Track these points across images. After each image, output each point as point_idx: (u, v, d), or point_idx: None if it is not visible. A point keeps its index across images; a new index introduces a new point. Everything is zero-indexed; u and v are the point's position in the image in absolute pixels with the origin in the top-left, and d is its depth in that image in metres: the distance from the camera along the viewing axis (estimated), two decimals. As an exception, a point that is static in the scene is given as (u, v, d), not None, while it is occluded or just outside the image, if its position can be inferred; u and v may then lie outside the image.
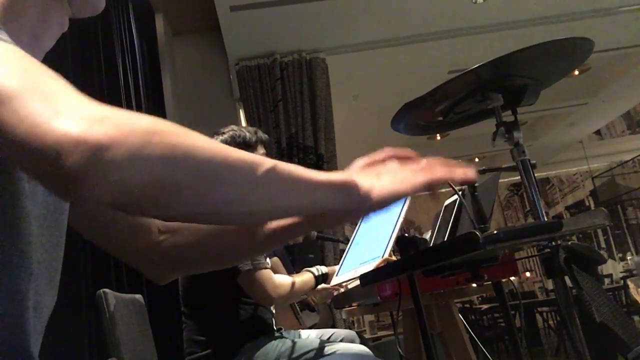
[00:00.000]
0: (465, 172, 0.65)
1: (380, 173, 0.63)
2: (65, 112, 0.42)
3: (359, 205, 0.59)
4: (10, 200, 0.57)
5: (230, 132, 1.89)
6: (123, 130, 0.42)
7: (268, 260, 1.89)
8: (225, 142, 1.86)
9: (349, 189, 0.58)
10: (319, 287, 2.01)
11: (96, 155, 0.41)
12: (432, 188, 0.63)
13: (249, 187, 0.50)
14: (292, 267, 2.78)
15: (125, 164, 0.41)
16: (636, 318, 5.90)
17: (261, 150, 1.91)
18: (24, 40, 0.63)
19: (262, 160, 0.51)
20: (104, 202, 0.43)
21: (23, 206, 0.59)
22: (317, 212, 0.60)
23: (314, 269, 1.98)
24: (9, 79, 0.45)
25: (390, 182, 0.61)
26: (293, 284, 1.83)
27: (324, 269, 1.99)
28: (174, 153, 0.44)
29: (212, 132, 1.95)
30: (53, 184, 0.43)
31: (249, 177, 0.50)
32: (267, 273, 1.74)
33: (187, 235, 0.81)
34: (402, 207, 1.40)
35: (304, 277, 1.92)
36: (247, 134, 1.89)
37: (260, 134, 1.94)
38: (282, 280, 1.81)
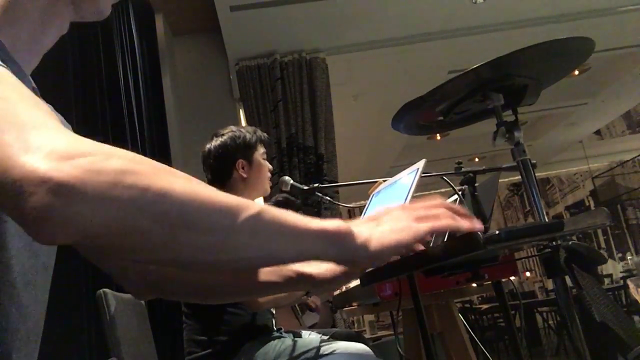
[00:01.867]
0: (471, 223, 0.61)
1: (381, 220, 0.59)
2: (36, 147, 0.41)
3: (355, 257, 0.55)
4: None
5: (230, 134, 1.88)
6: (92, 170, 0.40)
7: None
8: (225, 144, 1.85)
9: (343, 239, 0.54)
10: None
11: (60, 195, 0.39)
12: (433, 235, 0.59)
13: (225, 234, 0.47)
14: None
15: (90, 205, 0.40)
16: (636, 318, 5.90)
17: (261, 149, 1.91)
18: (22, 43, 0.63)
19: (246, 206, 0.48)
20: (68, 242, 0.42)
21: (5, 219, 0.58)
22: (307, 261, 0.56)
23: None
24: None
25: (390, 231, 0.57)
26: None
27: None
28: (143, 196, 0.42)
29: (212, 133, 1.95)
30: (19, 221, 0.42)
31: (227, 224, 0.46)
32: None
33: None
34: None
35: None
36: (247, 134, 1.89)
37: (260, 133, 1.93)
38: None
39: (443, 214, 0.60)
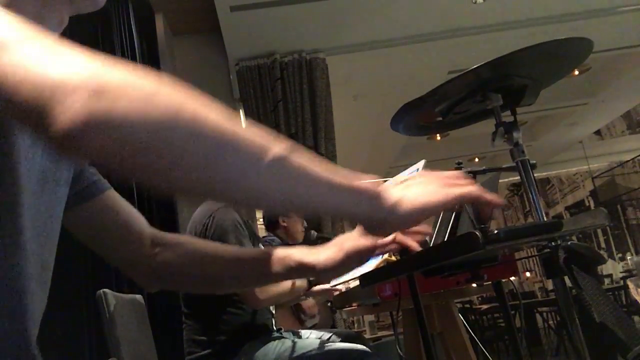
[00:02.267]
0: (496, 199, 0.61)
1: (410, 184, 0.59)
2: (67, 60, 0.40)
3: (385, 217, 0.54)
4: (9, 197, 0.57)
5: None
6: (129, 80, 0.40)
7: None
8: None
9: (373, 197, 0.53)
10: (316, 288, 2.01)
11: (95, 101, 0.38)
12: (461, 204, 0.59)
13: (251, 172, 0.46)
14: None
15: (126, 115, 0.38)
16: (636, 318, 5.90)
17: None
18: None
19: (273, 147, 0.47)
20: (98, 158, 0.40)
21: (22, 202, 0.58)
22: (334, 215, 0.56)
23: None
24: (8, 29, 0.43)
25: (421, 194, 0.56)
26: (282, 286, 1.82)
27: None
28: (178, 113, 0.41)
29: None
30: (46, 135, 0.39)
31: (253, 162, 0.45)
32: None
33: (179, 255, 0.80)
34: None
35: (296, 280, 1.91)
36: None
37: None
38: None
39: (470, 184, 0.60)
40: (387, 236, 0.74)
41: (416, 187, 0.57)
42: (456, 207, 0.60)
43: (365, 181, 0.54)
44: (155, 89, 0.41)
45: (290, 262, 0.79)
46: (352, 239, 0.77)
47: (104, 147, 0.39)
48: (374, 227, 0.57)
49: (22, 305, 0.58)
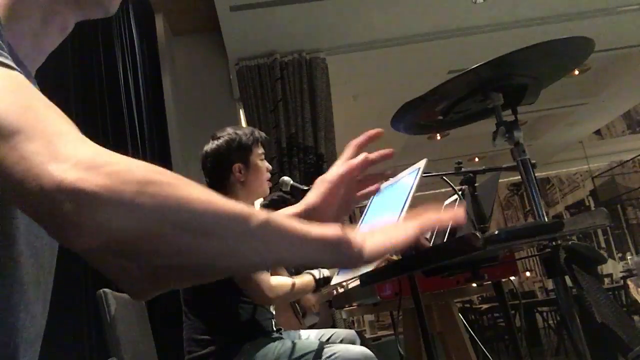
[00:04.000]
0: (454, 215, 0.66)
1: (374, 231, 0.64)
2: (63, 157, 0.43)
3: (351, 261, 0.60)
4: (2, 209, 0.57)
5: (226, 137, 1.87)
6: (118, 180, 0.43)
7: None
8: (221, 147, 1.85)
9: (341, 246, 0.58)
10: (322, 289, 2.01)
11: (89, 203, 0.41)
12: (422, 234, 0.64)
13: (238, 242, 0.49)
14: (293, 270, 2.78)
15: (117, 212, 0.42)
16: (636, 318, 5.91)
17: (258, 150, 1.90)
18: (26, 43, 0.63)
19: (255, 213, 0.51)
20: (94, 249, 0.44)
21: (14, 215, 0.59)
22: (305, 263, 0.61)
23: (315, 272, 1.97)
24: (9, 115, 0.46)
25: (382, 235, 0.62)
26: (292, 285, 1.83)
27: (326, 272, 1.99)
28: (165, 204, 0.44)
29: (211, 133, 1.94)
30: (48, 229, 0.44)
31: (239, 231, 0.49)
32: (262, 274, 1.73)
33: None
34: (403, 207, 1.40)
35: (304, 279, 1.91)
36: (243, 136, 1.88)
37: (257, 133, 1.92)
38: (279, 281, 1.80)
39: (427, 216, 0.65)
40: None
41: (380, 231, 0.63)
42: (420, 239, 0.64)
43: (331, 228, 0.59)
44: (143, 182, 0.44)
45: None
46: (329, 172, 0.84)
47: (100, 243, 0.43)
48: (342, 266, 0.64)
49: (12, 316, 0.58)
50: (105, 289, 1.39)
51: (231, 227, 0.49)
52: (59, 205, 0.41)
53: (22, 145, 0.44)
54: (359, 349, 1.64)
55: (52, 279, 0.68)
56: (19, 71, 0.51)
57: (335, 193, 0.83)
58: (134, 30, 3.31)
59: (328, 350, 1.60)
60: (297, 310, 2.65)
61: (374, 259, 0.61)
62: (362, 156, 0.87)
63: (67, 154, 0.43)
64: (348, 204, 0.87)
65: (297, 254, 0.56)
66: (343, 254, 0.58)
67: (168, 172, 0.48)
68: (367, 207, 1.69)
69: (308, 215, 0.81)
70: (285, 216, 0.56)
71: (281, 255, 0.54)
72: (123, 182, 0.43)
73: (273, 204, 2.66)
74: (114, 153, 0.46)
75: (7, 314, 0.58)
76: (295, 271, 2.48)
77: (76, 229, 0.42)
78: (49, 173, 0.42)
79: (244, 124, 4.18)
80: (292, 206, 0.81)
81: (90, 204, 0.42)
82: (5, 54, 0.51)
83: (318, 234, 0.57)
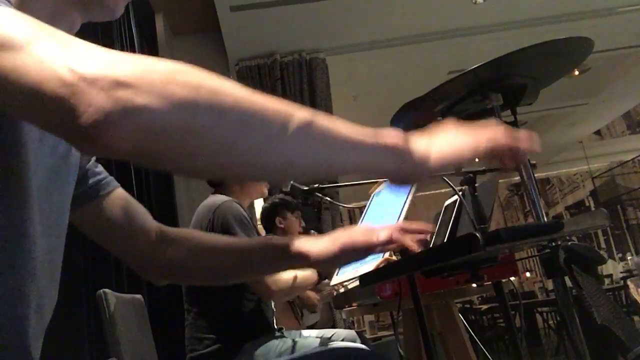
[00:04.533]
0: (530, 142, 0.59)
1: (437, 134, 0.58)
2: (83, 54, 0.40)
3: (414, 170, 0.54)
4: (17, 201, 0.57)
5: None
6: (145, 68, 0.40)
7: None
8: None
9: (401, 153, 0.53)
10: (324, 282, 2.01)
11: (116, 93, 0.38)
12: (494, 156, 0.57)
13: (279, 139, 0.45)
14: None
15: (147, 102, 0.38)
16: (636, 318, 5.90)
17: None
18: None
19: (297, 112, 0.47)
20: (125, 149, 0.40)
21: (29, 207, 0.58)
22: (362, 173, 0.54)
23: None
24: (22, 27, 0.43)
25: (449, 144, 0.56)
26: (294, 278, 1.83)
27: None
28: (198, 93, 0.41)
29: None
30: (70, 130, 0.39)
31: (280, 128, 0.45)
32: None
33: (185, 250, 0.82)
34: (403, 207, 1.40)
35: (306, 273, 1.92)
36: None
37: None
38: (282, 274, 1.81)
39: (499, 132, 0.58)
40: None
41: (444, 139, 0.57)
42: (486, 155, 0.57)
43: (391, 134, 0.53)
44: (172, 72, 0.41)
45: (286, 250, 0.81)
46: (349, 235, 0.79)
47: (131, 137, 0.39)
48: (403, 179, 0.57)
49: (24, 309, 0.58)
50: (105, 289, 1.39)
51: (270, 122, 0.45)
52: (84, 96, 0.37)
53: (38, 50, 0.41)
54: (359, 347, 1.65)
55: (59, 272, 0.68)
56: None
57: (340, 257, 0.80)
58: (134, 30, 3.31)
59: (328, 348, 1.61)
60: (296, 310, 2.65)
61: (441, 169, 0.55)
62: (389, 236, 0.80)
63: (87, 52, 0.41)
64: (350, 261, 0.85)
65: (350, 160, 0.51)
66: (406, 161, 0.53)
67: (197, 69, 0.44)
68: (367, 207, 1.69)
69: (312, 263, 0.80)
70: (337, 121, 0.50)
71: (329, 160, 0.50)
72: (150, 72, 0.40)
73: (275, 207, 2.67)
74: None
75: (18, 306, 0.57)
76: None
77: (107, 119, 0.37)
78: (70, 68, 0.39)
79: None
80: (305, 242, 0.81)
81: (117, 92, 0.38)
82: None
83: (373, 140, 0.51)
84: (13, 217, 0.56)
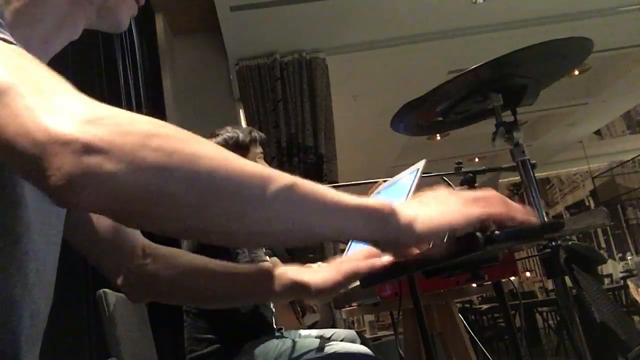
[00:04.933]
0: (526, 214, 0.56)
1: (426, 201, 0.55)
2: (59, 110, 0.40)
3: (397, 238, 0.51)
4: (10, 207, 0.57)
5: (224, 135, 1.88)
6: (118, 132, 0.39)
7: (268, 259, 1.89)
8: (219, 145, 1.86)
9: (385, 217, 0.50)
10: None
11: (86, 157, 0.38)
12: (486, 225, 0.53)
13: (256, 205, 0.44)
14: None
15: (117, 169, 0.38)
16: (636, 318, 5.90)
17: (257, 149, 1.91)
18: (33, 45, 0.62)
19: (277, 177, 0.45)
20: (94, 210, 0.40)
21: (21, 213, 0.58)
22: (344, 239, 0.52)
23: (315, 266, 1.97)
24: (2, 74, 0.43)
25: (438, 212, 0.53)
26: None
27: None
28: (171, 160, 0.40)
29: (210, 132, 1.95)
30: (42, 187, 0.40)
31: (258, 194, 0.44)
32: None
33: (168, 267, 0.79)
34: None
35: None
36: (241, 134, 1.89)
37: (255, 133, 1.93)
38: None
39: (495, 200, 0.56)
40: (400, 255, 0.73)
41: (432, 205, 0.54)
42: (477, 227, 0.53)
43: (376, 199, 0.51)
44: (147, 136, 0.40)
45: (285, 280, 0.77)
46: (350, 261, 0.76)
47: (98, 201, 0.39)
48: (387, 245, 0.55)
49: (15, 315, 0.58)
50: (105, 289, 1.39)
51: (247, 187, 0.43)
52: (54, 159, 0.37)
53: (14, 102, 0.40)
54: (357, 347, 1.64)
55: (54, 277, 0.68)
56: (19, 45, 0.49)
57: (339, 286, 0.76)
58: (134, 30, 3.31)
59: (328, 349, 1.61)
60: (297, 309, 2.65)
61: (426, 238, 0.52)
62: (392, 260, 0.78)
63: (64, 108, 0.40)
64: (346, 288, 0.80)
65: (333, 226, 0.48)
66: (390, 226, 0.50)
67: (176, 127, 0.43)
68: None
69: (311, 293, 0.76)
70: (318, 184, 0.48)
71: (309, 225, 0.48)
72: (124, 134, 0.39)
73: None
74: (116, 108, 0.42)
75: (11, 311, 0.57)
76: (292, 257, 2.48)
77: (74, 184, 0.38)
78: (43, 126, 0.38)
79: (244, 124, 4.18)
80: (303, 272, 0.78)
81: (88, 156, 0.37)
82: (5, 31, 0.49)
83: (356, 203, 0.49)
84: (6, 223, 0.56)
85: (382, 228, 0.50)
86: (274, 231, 0.47)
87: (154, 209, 0.41)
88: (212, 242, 0.48)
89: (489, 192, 0.56)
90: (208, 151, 0.43)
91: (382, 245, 0.54)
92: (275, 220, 0.46)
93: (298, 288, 0.77)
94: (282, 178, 0.46)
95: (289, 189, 0.46)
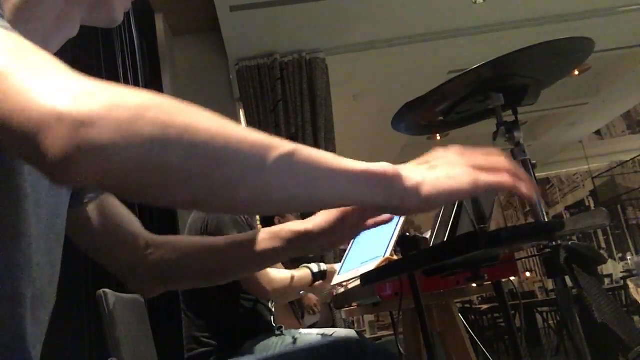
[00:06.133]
0: (531, 188, 0.55)
1: (434, 164, 0.54)
2: (53, 87, 0.40)
3: (403, 202, 0.50)
4: (13, 202, 0.57)
5: None
6: (113, 105, 0.39)
7: None
8: None
9: (389, 182, 0.49)
10: (317, 284, 2.01)
11: (81, 131, 0.37)
12: (494, 191, 0.53)
13: (256, 173, 0.44)
14: (292, 266, 2.78)
15: (113, 141, 0.38)
16: (636, 318, 5.90)
17: None
18: (32, 43, 0.63)
19: (277, 144, 0.45)
20: (92, 184, 0.40)
21: (25, 208, 0.58)
22: (347, 206, 0.52)
23: (313, 266, 1.98)
24: None
25: (445, 176, 0.52)
26: (291, 278, 1.83)
27: (323, 266, 1.99)
28: (167, 131, 0.40)
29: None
30: (38, 164, 0.40)
31: (257, 161, 0.44)
32: None
33: (171, 251, 0.79)
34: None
35: (301, 273, 1.92)
36: None
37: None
38: (278, 274, 1.80)
39: (504, 169, 0.54)
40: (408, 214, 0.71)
41: (440, 168, 0.53)
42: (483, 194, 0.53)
43: (381, 164, 0.50)
44: (142, 107, 0.40)
45: (285, 233, 0.77)
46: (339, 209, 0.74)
47: (96, 175, 0.39)
48: (392, 210, 0.54)
49: (21, 310, 0.58)
50: (105, 289, 1.39)
51: (247, 154, 0.43)
52: (49, 134, 0.37)
53: (8, 81, 0.40)
54: (348, 336, 1.65)
55: (58, 271, 0.68)
56: (14, 32, 0.48)
57: (342, 223, 0.74)
58: (134, 30, 3.31)
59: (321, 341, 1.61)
60: (297, 310, 2.65)
61: (433, 203, 0.51)
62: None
63: (57, 85, 0.40)
64: (356, 230, 0.77)
65: (335, 191, 0.48)
66: (395, 190, 0.49)
67: (172, 99, 0.43)
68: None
69: (315, 236, 0.75)
70: (320, 150, 0.48)
71: (311, 192, 0.47)
72: (118, 107, 0.39)
73: None
74: (111, 83, 0.42)
75: (16, 306, 0.57)
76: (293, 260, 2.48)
77: (70, 159, 0.38)
78: (37, 103, 0.39)
79: (244, 124, 4.18)
80: (300, 222, 0.78)
81: (81, 131, 0.37)
82: (3, 20, 0.49)
83: (360, 168, 0.48)
84: (9, 218, 0.56)
85: (387, 193, 0.50)
86: (276, 198, 0.46)
87: (151, 181, 0.41)
88: (212, 211, 0.47)
89: (498, 158, 0.55)
90: (205, 120, 0.43)
91: (387, 209, 0.54)
92: (277, 187, 0.45)
93: (301, 237, 0.76)
94: (282, 145, 0.45)
95: (290, 156, 0.45)
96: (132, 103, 0.40)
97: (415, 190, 0.50)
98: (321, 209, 0.61)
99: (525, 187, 0.54)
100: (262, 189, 0.45)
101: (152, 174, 0.40)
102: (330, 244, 0.77)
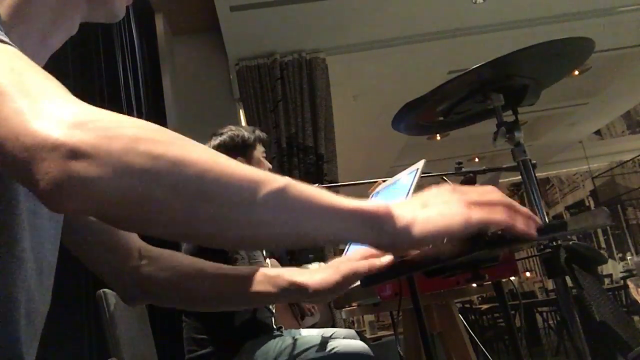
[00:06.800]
0: (528, 224, 0.53)
1: (427, 202, 0.53)
2: (47, 114, 0.40)
3: (394, 242, 0.50)
4: (6, 206, 0.57)
5: (229, 133, 1.89)
6: (105, 136, 0.39)
7: (268, 261, 1.89)
8: (224, 143, 1.86)
9: (380, 221, 0.49)
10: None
11: (72, 163, 0.38)
12: (486, 229, 0.51)
13: (245, 209, 0.43)
14: (292, 267, 2.78)
15: (103, 174, 0.38)
16: (636, 318, 5.90)
17: (260, 148, 1.91)
18: (32, 42, 0.62)
19: (269, 180, 0.45)
20: (83, 214, 0.41)
21: (19, 212, 0.58)
22: (337, 242, 0.52)
23: (314, 265, 1.98)
24: None
25: (438, 215, 0.51)
26: None
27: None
28: (157, 164, 0.40)
29: (211, 133, 1.95)
30: (31, 190, 0.40)
31: (247, 198, 0.43)
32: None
33: (163, 269, 0.78)
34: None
35: None
36: (245, 133, 1.90)
37: (259, 132, 1.94)
38: None
39: (499, 204, 0.53)
40: (399, 255, 0.68)
41: (433, 206, 0.52)
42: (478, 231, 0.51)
43: (372, 202, 0.50)
44: (134, 139, 0.40)
45: (281, 282, 0.76)
46: (349, 261, 0.75)
47: (85, 205, 0.39)
48: (382, 250, 0.54)
49: (16, 314, 0.58)
50: (105, 289, 1.39)
51: (236, 192, 0.43)
52: (41, 164, 0.38)
53: (3, 104, 0.41)
54: (359, 344, 1.64)
55: (52, 275, 0.68)
56: (13, 45, 0.49)
57: (339, 287, 0.75)
58: (134, 30, 3.31)
59: (330, 345, 1.61)
60: (296, 311, 2.65)
61: (425, 242, 0.51)
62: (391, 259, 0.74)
63: (52, 112, 0.40)
64: (348, 286, 0.77)
65: (326, 229, 0.47)
66: (386, 230, 0.49)
67: (166, 129, 0.43)
68: None
69: (310, 294, 0.75)
70: (313, 187, 0.48)
71: (301, 229, 0.47)
72: (110, 139, 0.39)
73: None
74: (105, 110, 0.42)
75: (10, 310, 0.57)
76: (291, 258, 2.48)
77: (60, 188, 0.38)
78: (31, 131, 0.39)
79: (244, 123, 4.17)
80: (300, 272, 0.77)
81: (74, 161, 0.38)
82: (1, 32, 0.50)
83: (351, 206, 0.48)
84: (2, 223, 0.56)
85: (378, 232, 0.49)
86: (265, 235, 0.46)
87: (141, 213, 0.41)
88: (202, 244, 0.47)
89: (494, 194, 0.54)
90: (196, 155, 0.42)
91: (377, 248, 0.54)
92: (266, 224, 0.45)
93: (295, 290, 0.76)
94: (273, 181, 0.45)
95: (280, 193, 0.45)
96: (124, 134, 0.40)
97: (406, 230, 0.50)
98: (310, 246, 0.62)
99: (521, 222, 0.53)
100: (250, 226, 0.45)
101: (141, 207, 0.40)
102: (324, 299, 0.77)
